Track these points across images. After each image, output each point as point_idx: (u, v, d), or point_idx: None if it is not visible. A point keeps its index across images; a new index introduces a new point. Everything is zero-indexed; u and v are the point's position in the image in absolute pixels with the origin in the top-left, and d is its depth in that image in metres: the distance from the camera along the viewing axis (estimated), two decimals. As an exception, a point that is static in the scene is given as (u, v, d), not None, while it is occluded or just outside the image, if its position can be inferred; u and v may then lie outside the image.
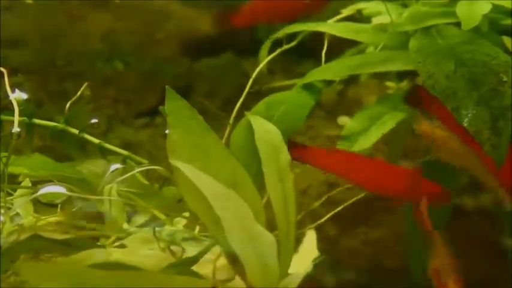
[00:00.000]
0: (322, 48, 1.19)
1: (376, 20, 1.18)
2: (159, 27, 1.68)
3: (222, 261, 0.87)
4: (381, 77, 1.28)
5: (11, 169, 0.92)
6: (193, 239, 0.91)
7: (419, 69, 1.00)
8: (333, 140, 1.37)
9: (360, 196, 1.03)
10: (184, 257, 0.88)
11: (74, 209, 0.92)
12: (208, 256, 0.87)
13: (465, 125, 0.92)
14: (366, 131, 1.10)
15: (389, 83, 1.19)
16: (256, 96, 1.11)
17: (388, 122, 1.10)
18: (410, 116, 1.12)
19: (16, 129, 0.93)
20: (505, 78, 0.95)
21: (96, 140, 1.00)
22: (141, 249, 0.89)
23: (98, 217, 0.93)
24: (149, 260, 0.87)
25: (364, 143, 1.09)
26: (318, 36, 1.25)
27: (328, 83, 1.16)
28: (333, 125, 1.48)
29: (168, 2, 1.73)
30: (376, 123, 1.10)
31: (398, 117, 1.10)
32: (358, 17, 1.25)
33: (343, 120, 1.46)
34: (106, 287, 0.71)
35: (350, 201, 1.00)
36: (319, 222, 0.98)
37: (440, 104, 0.96)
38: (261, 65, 1.18)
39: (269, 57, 1.21)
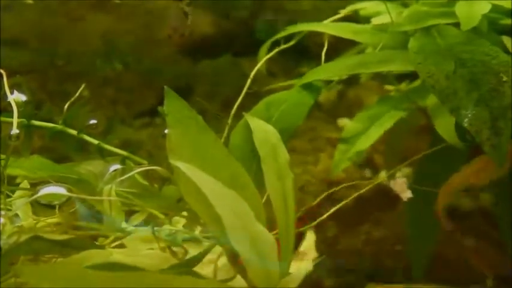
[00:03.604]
0: (322, 49, 1.19)
1: (375, 20, 1.18)
2: (158, 28, 1.68)
3: (223, 260, 0.87)
4: (381, 78, 1.28)
5: (10, 171, 0.92)
6: (194, 239, 0.91)
7: (419, 69, 1.00)
8: (332, 143, 1.37)
9: (359, 193, 1.02)
10: (186, 257, 0.88)
11: (72, 210, 0.92)
12: (209, 256, 0.87)
13: (465, 125, 0.92)
14: (365, 132, 1.10)
15: (388, 87, 1.19)
16: (255, 96, 1.11)
17: (387, 122, 1.10)
18: (409, 115, 1.12)
19: (15, 130, 0.93)
20: (504, 78, 0.95)
21: (95, 141, 1.00)
22: (141, 249, 0.89)
23: (97, 217, 0.93)
24: (150, 260, 0.87)
25: (364, 144, 1.09)
26: (318, 37, 1.25)
27: (328, 83, 1.16)
28: (332, 127, 1.48)
29: (168, 2, 1.73)
30: (376, 123, 1.10)
31: (397, 116, 1.10)
32: (357, 18, 1.25)
33: (343, 122, 1.46)
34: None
35: (350, 198, 1.00)
36: (318, 220, 0.98)
37: None
38: (259, 65, 1.18)
39: (266, 57, 1.20)
